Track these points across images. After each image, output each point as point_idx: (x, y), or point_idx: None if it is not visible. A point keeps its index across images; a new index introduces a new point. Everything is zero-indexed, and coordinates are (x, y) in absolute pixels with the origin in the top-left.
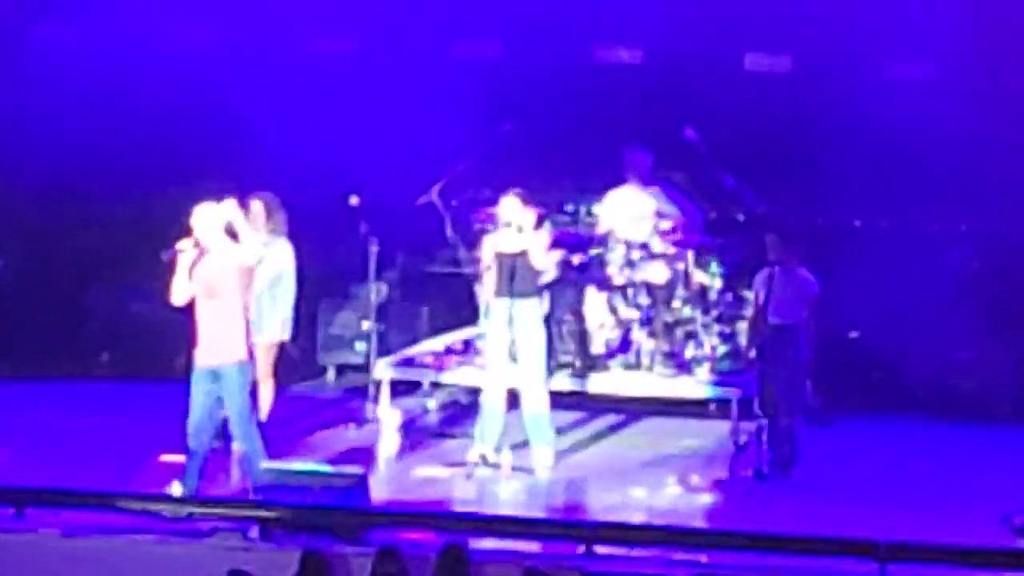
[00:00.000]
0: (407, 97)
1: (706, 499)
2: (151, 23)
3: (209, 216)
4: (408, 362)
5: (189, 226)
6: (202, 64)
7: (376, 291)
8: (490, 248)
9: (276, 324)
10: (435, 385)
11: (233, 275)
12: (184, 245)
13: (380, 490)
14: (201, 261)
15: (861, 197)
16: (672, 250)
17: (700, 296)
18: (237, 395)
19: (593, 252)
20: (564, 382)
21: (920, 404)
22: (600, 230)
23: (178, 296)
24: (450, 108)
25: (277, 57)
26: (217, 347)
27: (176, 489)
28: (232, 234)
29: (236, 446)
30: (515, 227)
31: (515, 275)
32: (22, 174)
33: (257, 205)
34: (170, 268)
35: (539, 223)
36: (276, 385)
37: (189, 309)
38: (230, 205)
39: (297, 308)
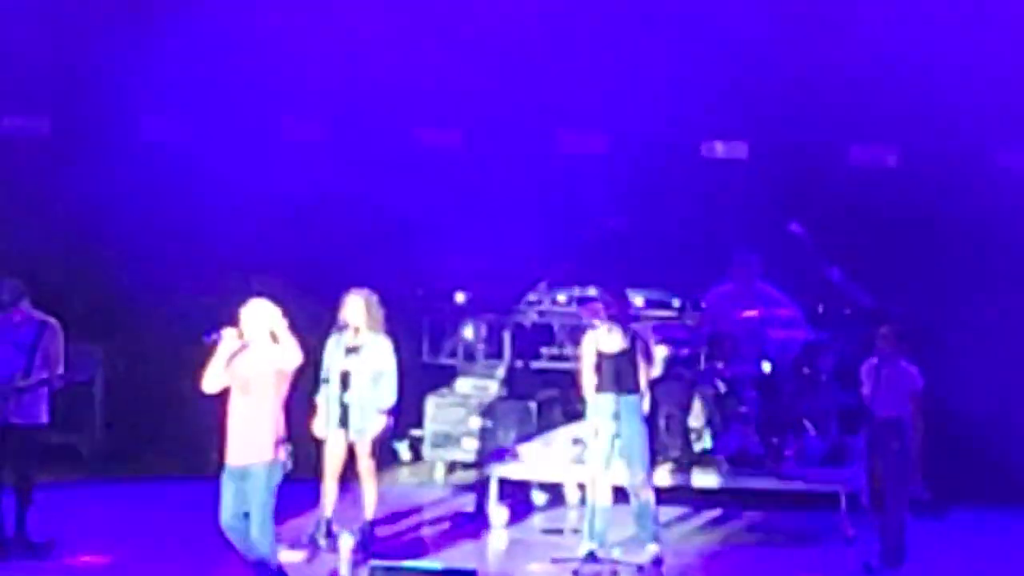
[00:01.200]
0: (514, 191)
1: None
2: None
3: (259, 312)
4: (516, 458)
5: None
6: (304, 159)
7: (484, 387)
8: (593, 345)
9: (377, 421)
10: (543, 482)
11: (271, 375)
12: (228, 333)
13: None
14: (241, 355)
15: (968, 289)
16: (778, 345)
17: (807, 389)
18: (262, 493)
19: (699, 347)
20: (670, 477)
21: None
22: (706, 325)
23: (210, 384)
24: (557, 203)
25: (382, 150)
26: (247, 446)
27: None
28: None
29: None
30: (613, 326)
31: (619, 372)
32: (125, 268)
33: (356, 301)
34: (208, 353)
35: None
36: (380, 482)
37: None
38: (274, 308)
39: (403, 405)
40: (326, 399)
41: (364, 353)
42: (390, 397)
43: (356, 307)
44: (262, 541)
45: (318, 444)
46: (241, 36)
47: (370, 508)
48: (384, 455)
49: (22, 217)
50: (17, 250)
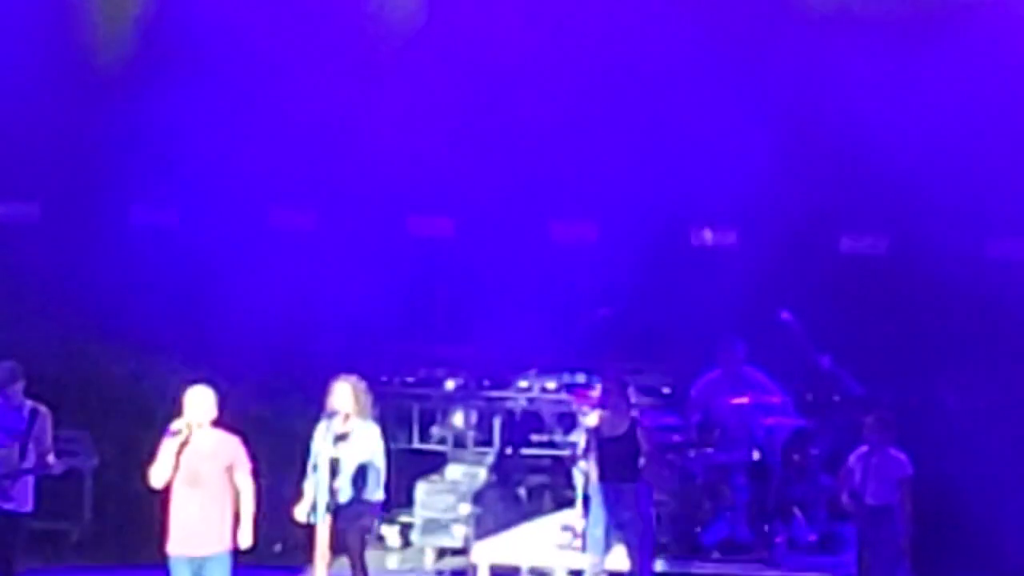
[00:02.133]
0: (504, 279)
1: None
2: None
3: (202, 399)
4: (506, 545)
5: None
6: (294, 246)
7: (474, 474)
8: (586, 432)
9: (364, 508)
10: (533, 568)
11: (221, 468)
12: (179, 426)
13: None
14: (188, 448)
15: (957, 377)
16: (767, 431)
17: (797, 477)
18: None
19: (689, 434)
20: (662, 565)
21: None
22: (696, 412)
23: (159, 478)
24: (545, 291)
25: (373, 238)
26: (207, 535)
27: None
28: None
29: None
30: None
31: (620, 459)
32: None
33: (344, 388)
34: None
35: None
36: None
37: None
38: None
39: (392, 490)
40: (314, 486)
41: (353, 440)
42: (380, 483)
43: (344, 394)
44: None
45: (306, 530)
46: (231, 123)
47: None
48: (373, 541)
49: (11, 304)
50: (6, 336)
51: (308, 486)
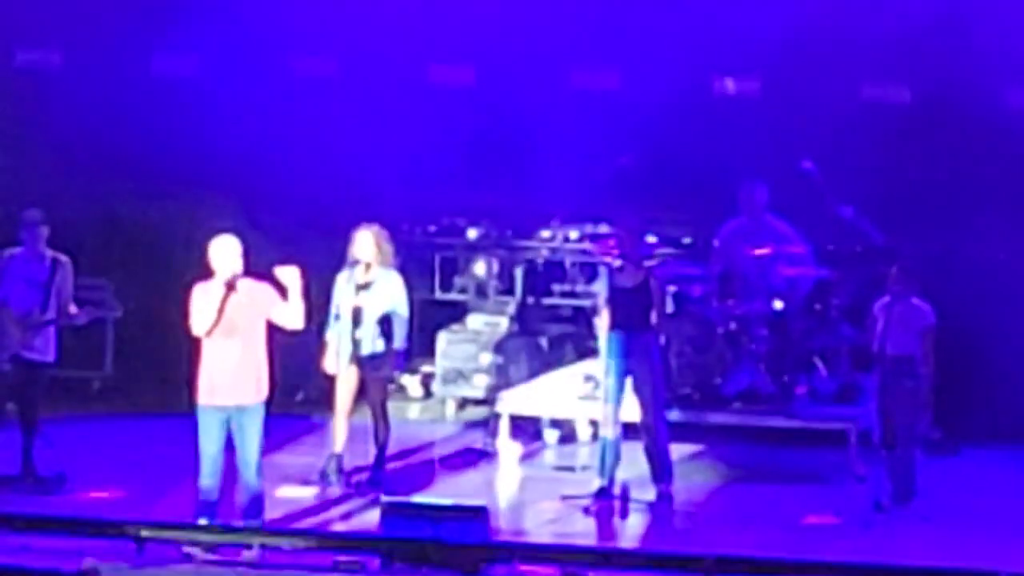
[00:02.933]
0: (525, 128)
1: (825, 532)
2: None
3: (230, 248)
4: (527, 395)
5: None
6: (315, 96)
7: (495, 324)
8: (605, 282)
9: (387, 357)
10: (554, 419)
11: (262, 318)
12: (228, 277)
13: (501, 524)
14: (230, 298)
15: (981, 226)
16: (789, 282)
17: (819, 327)
18: (259, 430)
19: (710, 285)
20: (682, 415)
21: None
22: (717, 263)
23: (203, 327)
24: (567, 140)
25: (394, 87)
26: (243, 385)
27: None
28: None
29: (250, 482)
30: (626, 262)
31: (633, 309)
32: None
33: (366, 237)
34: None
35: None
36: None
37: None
38: (295, 269)
39: (414, 341)
40: (337, 336)
41: (375, 289)
42: (402, 332)
43: (366, 243)
44: (257, 474)
45: (328, 380)
46: None
47: (383, 444)
48: (394, 391)
49: (32, 152)
50: (28, 183)
51: (331, 336)
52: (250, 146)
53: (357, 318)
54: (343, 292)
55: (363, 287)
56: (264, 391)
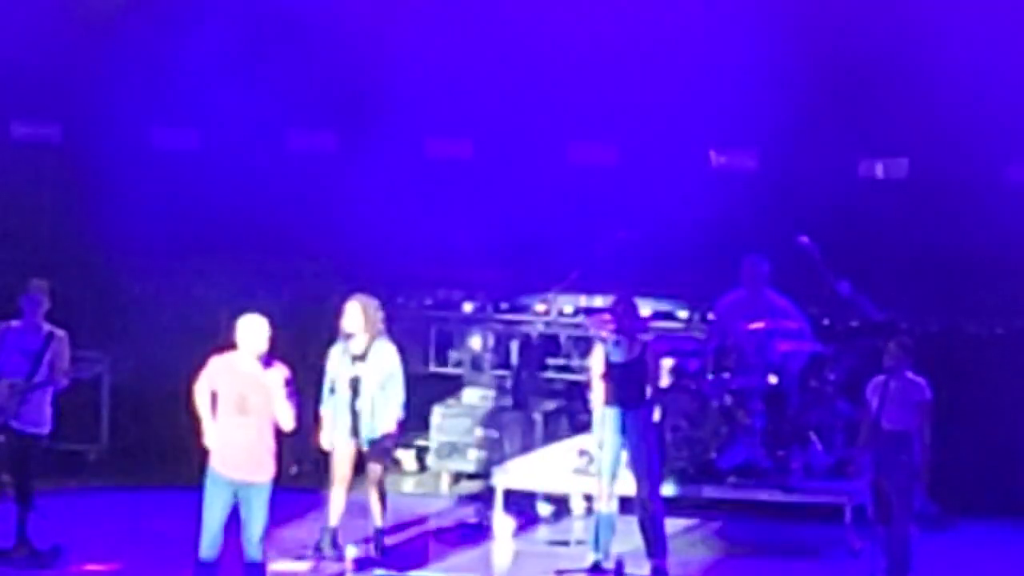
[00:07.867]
0: (523, 202)
1: None
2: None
3: (258, 329)
4: (522, 470)
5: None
6: (312, 169)
7: (490, 398)
8: (601, 357)
9: (390, 424)
10: (548, 493)
11: (267, 396)
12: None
13: None
14: (237, 374)
15: (976, 302)
16: (785, 357)
17: (814, 402)
18: (265, 506)
19: (706, 359)
20: (676, 488)
21: None
22: (714, 337)
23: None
24: (566, 213)
25: (393, 160)
26: (252, 462)
27: None
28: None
29: (253, 556)
30: (622, 337)
31: (628, 384)
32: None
33: (354, 307)
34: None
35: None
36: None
37: None
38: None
39: (409, 414)
40: (333, 409)
41: (371, 359)
42: (400, 400)
43: (354, 313)
44: (260, 549)
45: (323, 454)
46: (249, 45)
47: (379, 517)
48: (389, 465)
49: (31, 224)
50: (27, 256)
51: (326, 410)
52: (247, 219)
53: (356, 388)
54: (338, 364)
55: (359, 357)
56: (272, 469)
